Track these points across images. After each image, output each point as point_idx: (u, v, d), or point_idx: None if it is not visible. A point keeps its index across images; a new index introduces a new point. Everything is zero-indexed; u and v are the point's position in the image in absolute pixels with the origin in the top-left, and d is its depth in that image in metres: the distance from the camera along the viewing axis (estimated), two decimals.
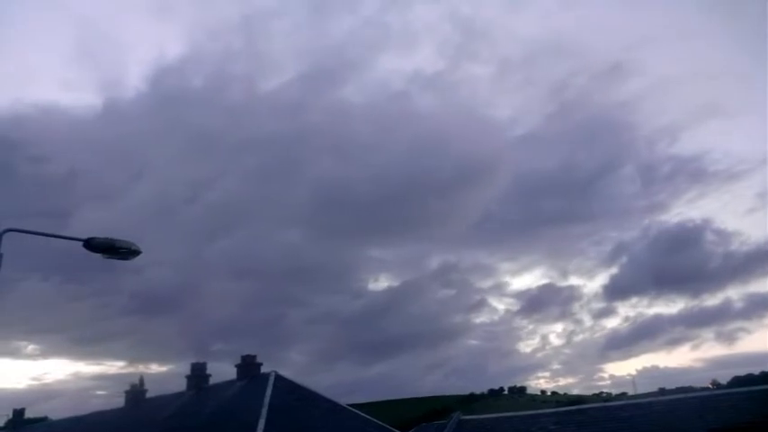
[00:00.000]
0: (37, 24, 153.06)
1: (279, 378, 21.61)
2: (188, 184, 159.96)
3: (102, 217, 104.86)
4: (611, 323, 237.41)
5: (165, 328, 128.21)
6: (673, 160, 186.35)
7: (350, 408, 22.82)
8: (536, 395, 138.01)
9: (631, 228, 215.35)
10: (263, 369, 23.30)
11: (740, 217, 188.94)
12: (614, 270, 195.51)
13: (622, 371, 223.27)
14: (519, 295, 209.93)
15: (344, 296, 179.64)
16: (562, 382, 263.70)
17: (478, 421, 19.43)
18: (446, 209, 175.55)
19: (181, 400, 24.14)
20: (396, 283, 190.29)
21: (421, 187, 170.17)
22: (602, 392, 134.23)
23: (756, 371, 74.42)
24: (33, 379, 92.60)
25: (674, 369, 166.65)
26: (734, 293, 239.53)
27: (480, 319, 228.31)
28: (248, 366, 23.46)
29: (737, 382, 67.43)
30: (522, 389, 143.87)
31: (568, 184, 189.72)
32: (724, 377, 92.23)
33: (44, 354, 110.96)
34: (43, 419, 33.72)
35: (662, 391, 48.39)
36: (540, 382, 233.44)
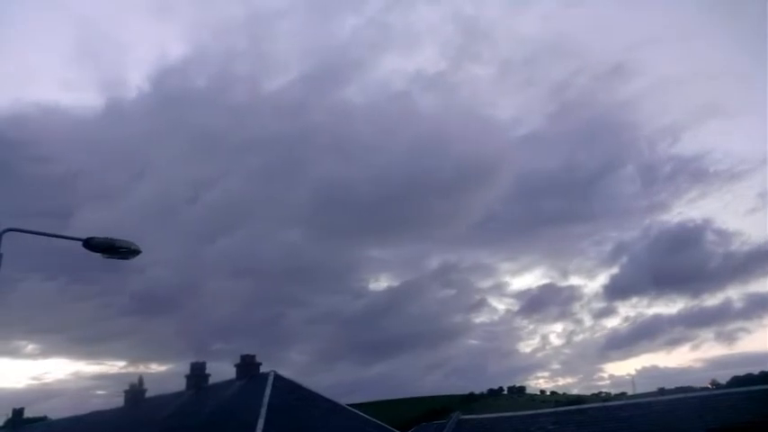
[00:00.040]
0: (37, 24, 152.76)
1: (278, 378, 21.61)
2: (190, 184, 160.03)
3: (104, 217, 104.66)
4: (612, 323, 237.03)
5: (165, 327, 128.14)
6: (674, 160, 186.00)
7: (349, 407, 22.83)
8: (535, 395, 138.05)
9: (632, 228, 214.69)
10: (263, 369, 23.32)
11: (741, 217, 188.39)
12: (615, 270, 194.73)
13: (622, 371, 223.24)
14: (519, 295, 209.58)
15: (345, 296, 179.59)
16: (561, 381, 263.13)
17: (478, 421, 19.45)
18: (447, 209, 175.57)
19: (180, 399, 24.15)
20: (396, 283, 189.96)
21: (422, 187, 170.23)
22: (601, 392, 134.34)
23: (756, 371, 74.53)
24: (33, 378, 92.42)
25: (674, 369, 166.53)
26: (734, 293, 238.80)
27: (480, 318, 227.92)
28: (247, 366, 23.48)
29: (737, 382, 67.48)
30: (522, 389, 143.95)
31: (569, 184, 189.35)
32: (723, 377, 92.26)
33: (44, 353, 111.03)
34: (42, 419, 33.70)
35: (661, 391, 48.42)
36: (539, 382, 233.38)
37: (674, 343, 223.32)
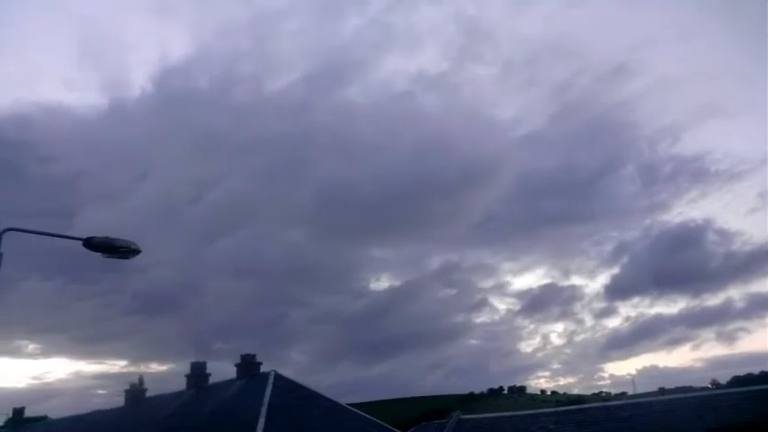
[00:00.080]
0: (39, 24, 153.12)
1: (278, 377, 21.63)
2: (193, 185, 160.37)
3: (107, 217, 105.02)
4: (613, 323, 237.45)
5: (167, 327, 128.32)
6: (674, 160, 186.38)
7: (349, 407, 22.84)
8: (536, 395, 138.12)
9: (633, 228, 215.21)
10: (263, 368, 23.35)
11: (741, 217, 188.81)
12: (616, 270, 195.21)
13: (622, 370, 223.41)
14: (520, 295, 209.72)
15: (346, 296, 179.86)
16: (562, 381, 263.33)
17: (478, 421, 19.44)
18: (449, 209, 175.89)
19: (180, 399, 24.16)
20: (398, 283, 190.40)
21: (424, 187, 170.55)
22: (601, 392, 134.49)
23: (756, 371, 74.57)
24: (34, 378, 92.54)
25: (674, 369, 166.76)
26: (735, 293, 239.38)
27: (481, 318, 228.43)
28: (248, 366, 23.49)
29: (737, 381, 67.49)
30: (522, 388, 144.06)
31: (570, 184, 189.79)
32: (724, 377, 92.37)
33: (45, 353, 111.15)
34: (43, 418, 33.69)
35: (661, 391, 48.43)
36: (540, 382, 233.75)
37: (675, 343, 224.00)
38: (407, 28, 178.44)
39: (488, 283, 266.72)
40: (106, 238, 9.43)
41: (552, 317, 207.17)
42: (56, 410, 52.22)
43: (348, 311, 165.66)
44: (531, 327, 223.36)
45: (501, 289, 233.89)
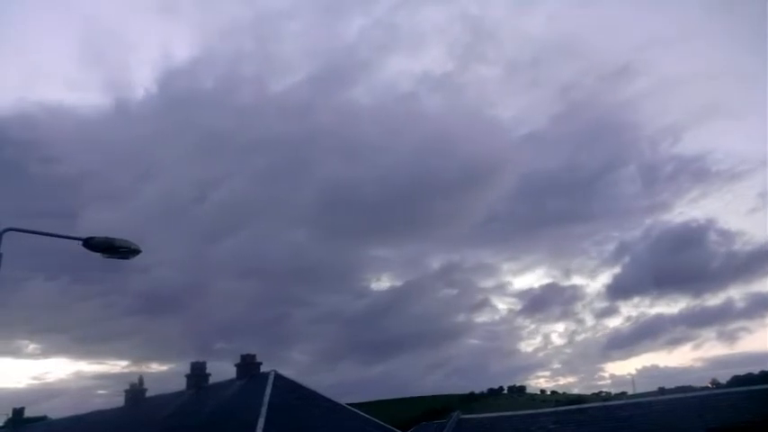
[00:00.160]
0: (42, 24, 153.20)
1: (278, 377, 21.61)
2: (196, 185, 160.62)
3: (110, 217, 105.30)
4: (613, 323, 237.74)
5: (168, 327, 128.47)
6: (675, 160, 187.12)
7: (349, 407, 22.83)
8: (535, 394, 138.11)
9: (634, 227, 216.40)
10: (263, 368, 23.32)
11: (742, 217, 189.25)
12: (617, 270, 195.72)
13: (623, 370, 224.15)
14: (521, 295, 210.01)
15: (348, 296, 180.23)
16: (562, 381, 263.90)
17: (478, 420, 19.44)
18: (451, 209, 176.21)
19: (180, 399, 24.14)
20: (399, 283, 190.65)
21: (426, 188, 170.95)
22: (601, 392, 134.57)
23: (756, 370, 74.61)
24: (34, 378, 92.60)
25: (674, 368, 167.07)
26: (736, 293, 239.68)
27: (482, 318, 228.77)
28: (248, 366, 23.47)
29: (737, 381, 67.49)
30: (522, 388, 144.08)
31: (571, 183, 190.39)
32: (724, 377, 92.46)
33: (45, 353, 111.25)
34: (42, 419, 33.66)
35: (661, 391, 48.45)
36: (540, 382, 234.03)
37: (676, 342, 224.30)
38: (412, 28, 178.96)
39: (489, 283, 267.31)
40: (106, 238, 9.43)
41: (553, 317, 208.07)
42: (56, 411, 52.27)
43: (349, 311, 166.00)
44: (532, 327, 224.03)
45: (502, 289, 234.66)
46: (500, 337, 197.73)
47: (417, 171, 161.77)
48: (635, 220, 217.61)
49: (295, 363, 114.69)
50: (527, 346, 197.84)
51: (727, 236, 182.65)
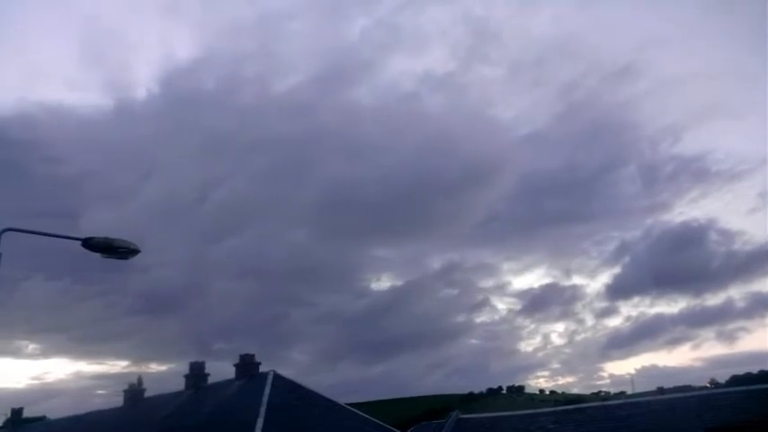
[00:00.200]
0: (42, 24, 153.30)
1: (277, 377, 21.61)
2: (198, 185, 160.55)
3: (112, 217, 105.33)
4: (613, 322, 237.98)
5: (168, 327, 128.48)
6: (675, 160, 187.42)
7: (349, 407, 22.83)
8: (534, 394, 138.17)
9: (634, 227, 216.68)
10: (262, 368, 23.31)
11: (742, 216, 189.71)
12: (617, 270, 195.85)
13: (622, 370, 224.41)
14: (521, 295, 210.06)
15: (348, 296, 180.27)
16: (561, 381, 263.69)
17: (477, 420, 19.45)
18: (452, 209, 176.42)
19: (179, 399, 24.13)
20: (399, 283, 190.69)
21: (428, 188, 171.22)
22: (600, 392, 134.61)
23: (755, 370, 74.71)
24: (33, 378, 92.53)
25: (674, 368, 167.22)
26: (736, 293, 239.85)
27: (482, 318, 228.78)
28: (247, 366, 23.45)
29: (736, 381, 67.55)
30: (521, 388, 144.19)
31: (572, 183, 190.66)
32: (723, 376, 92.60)
33: (45, 353, 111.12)
34: (41, 419, 33.64)
35: (660, 390, 48.46)
36: (539, 382, 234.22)
37: (675, 342, 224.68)
38: (415, 29, 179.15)
39: (489, 283, 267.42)
40: (105, 238, 9.43)
41: (553, 316, 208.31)
42: (55, 411, 52.23)
43: (349, 311, 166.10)
44: (532, 326, 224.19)
45: (502, 289, 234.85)
46: (500, 336, 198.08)
47: (419, 171, 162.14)
48: (635, 220, 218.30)
49: (295, 363, 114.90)
50: (527, 346, 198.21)
51: (727, 236, 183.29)
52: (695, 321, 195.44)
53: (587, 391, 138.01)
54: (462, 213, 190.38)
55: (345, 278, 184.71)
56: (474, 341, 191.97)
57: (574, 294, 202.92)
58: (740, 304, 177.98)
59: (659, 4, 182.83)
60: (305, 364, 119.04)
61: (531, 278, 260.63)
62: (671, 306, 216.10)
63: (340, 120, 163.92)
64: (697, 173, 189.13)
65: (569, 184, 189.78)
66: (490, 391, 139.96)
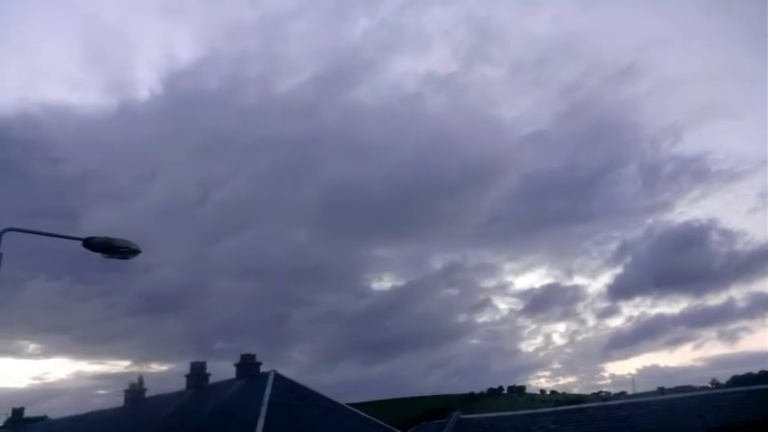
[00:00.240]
0: (43, 24, 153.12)
1: (278, 377, 21.63)
2: (199, 185, 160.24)
3: (114, 217, 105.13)
4: (615, 323, 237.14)
5: (169, 327, 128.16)
6: (676, 160, 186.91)
7: (349, 407, 22.85)
8: (535, 394, 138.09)
9: (635, 227, 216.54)
10: (263, 368, 23.33)
11: (742, 216, 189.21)
12: (619, 270, 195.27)
13: (623, 370, 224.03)
14: (522, 295, 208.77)
15: (349, 296, 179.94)
16: (562, 381, 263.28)
17: (478, 420, 19.46)
18: (453, 209, 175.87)
19: (180, 399, 24.15)
20: (401, 283, 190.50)
21: (430, 188, 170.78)
22: (601, 392, 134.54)
23: (756, 370, 74.64)
24: (34, 378, 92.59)
25: (674, 368, 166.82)
26: (737, 293, 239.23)
27: (483, 318, 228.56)
28: (248, 365, 23.48)
29: (736, 381, 67.52)
30: (522, 388, 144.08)
31: (573, 183, 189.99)
32: (724, 376, 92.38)
33: (46, 353, 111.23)
34: (42, 419, 33.69)
35: (661, 391, 48.43)
36: (540, 382, 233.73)
37: (677, 342, 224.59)
38: (417, 29, 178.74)
39: (491, 283, 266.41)
40: (106, 238, 9.44)
41: (554, 317, 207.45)
42: (56, 411, 52.31)
43: (350, 311, 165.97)
44: (533, 327, 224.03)
45: (503, 289, 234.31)
46: (501, 337, 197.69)
47: (421, 171, 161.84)
48: (636, 220, 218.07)
49: (295, 363, 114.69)
50: (528, 346, 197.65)
51: (728, 236, 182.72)
52: (696, 321, 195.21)
53: (588, 392, 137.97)
54: (464, 213, 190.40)
55: (346, 278, 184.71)
56: (475, 341, 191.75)
57: (575, 294, 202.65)
58: (741, 304, 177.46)
59: (660, 4, 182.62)
60: (306, 363, 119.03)
61: (533, 278, 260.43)
62: (672, 306, 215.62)
63: (342, 120, 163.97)
64: (697, 173, 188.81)
65: (571, 184, 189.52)
66: (491, 391, 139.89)
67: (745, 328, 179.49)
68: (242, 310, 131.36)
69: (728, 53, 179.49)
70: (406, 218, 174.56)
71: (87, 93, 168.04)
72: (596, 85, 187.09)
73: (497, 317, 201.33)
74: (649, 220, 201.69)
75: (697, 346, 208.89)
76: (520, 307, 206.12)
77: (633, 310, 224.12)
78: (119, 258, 9.61)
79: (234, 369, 23.96)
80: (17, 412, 31.85)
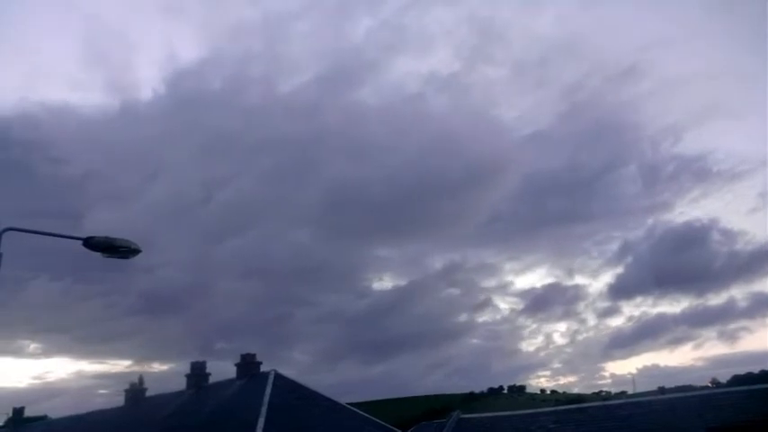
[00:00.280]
0: (44, 24, 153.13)
1: (278, 377, 21.63)
2: (202, 185, 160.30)
3: (117, 218, 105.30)
4: (615, 322, 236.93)
5: (170, 327, 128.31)
6: (676, 160, 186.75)
7: (349, 407, 22.85)
8: (535, 394, 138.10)
9: (636, 227, 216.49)
10: (263, 368, 23.34)
11: (743, 216, 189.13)
12: (620, 269, 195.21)
13: (623, 370, 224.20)
14: (523, 294, 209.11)
15: (350, 296, 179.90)
16: (563, 380, 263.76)
17: (478, 420, 19.45)
18: (455, 209, 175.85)
19: (180, 398, 24.16)
20: (402, 283, 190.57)
21: (432, 188, 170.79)
22: (601, 391, 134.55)
23: (756, 369, 74.66)
24: (35, 378, 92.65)
25: (675, 368, 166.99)
26: (738, 293, 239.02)
27: (484, 318, 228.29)
28: (248, 365, 23.48)
29: (737, 380, 67.54)
30: (522, 388, 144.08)
31: (574, 183, 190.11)
32: (724, 376, 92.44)
33: (46, 353, 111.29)
34: (43, 418, 33.70)
35: (661, 390, 48.43)
36: (540, 381, 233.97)
37: (677, 342, 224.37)
38: (420, 29, 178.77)
39: (491, 283, 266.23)
40: (106, 237, 9.44)
41: (555, 316, 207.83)
42: (56, 410, 52.22)
43: (351, 311, 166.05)
44: (534, 326, 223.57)
45: (504, 289, 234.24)
46: (501, 336, 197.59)
47: (422, 171, 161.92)
48: (636, 220, 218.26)
49: (296, 362, 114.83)
50: (528, 346, 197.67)
51: (728, 235, 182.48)
52: (697, 321, 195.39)
53: (588, 391, 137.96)
54: (465, 213, 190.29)
55: (348, 278, 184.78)
56: (475, 341, 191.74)
57: (576, 294, 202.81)
58: (742, 304, 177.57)
59: (662, 5, 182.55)
60: (306, 363, 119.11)
61: (534, 278, 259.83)
62: (673, 306, 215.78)
63: (345, 120, 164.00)
64: (698, 173, 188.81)
65: (571, 184, 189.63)
66: (491, 390, 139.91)
67: (745, 328, 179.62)
68: (243, 310, 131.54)
69: (729, 53, 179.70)
70: (407, 218, 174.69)
71: (88, 93, 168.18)
72: (598, 86, 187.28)
73: (498, 316, 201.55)
74: (650, 220, 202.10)
75: (697, 346, 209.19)
76: (520, 307, 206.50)
77: (634, 309, 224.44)
78: (119, 258, 9.61)
79: (234, 369, 23.98)
80: (17, 412, 31.86)
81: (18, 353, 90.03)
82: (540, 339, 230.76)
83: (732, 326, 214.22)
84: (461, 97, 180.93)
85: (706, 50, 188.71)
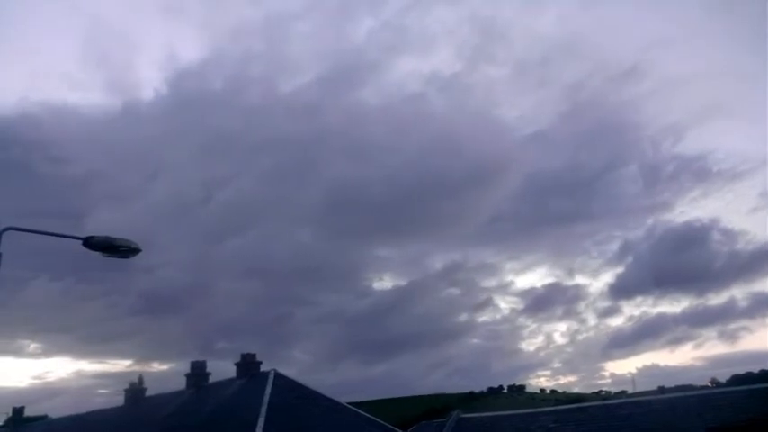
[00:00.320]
0: (44, 24, 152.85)
1: (278, 376, 21.62)
2: (203, 185, 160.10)
3: (118, 218, 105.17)
4: (616, 322, 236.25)
5: (171, 327, 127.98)
6: (677, 160, 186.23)
7: (350, 406, 22.85)
8: (535, 393, 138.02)
9: (636, 227, 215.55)
10: (263, 367, 23.33)
11: (743, 216, 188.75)
12: (620, 269, 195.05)
13: (623, 369, 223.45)
14: (524, 294, 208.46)
15: (351, 295, 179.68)
16: (563, 380, 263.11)
17: (478, 419, 19.47)
18: (456, 209, 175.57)
19: (180, 398, 24.16)
20: (402, 283, 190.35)
21: (433, 188, 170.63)
22: (601, 391, 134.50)
23: (756, 369, 74.65)
24: (35, 377, 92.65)
25: (675, 367, 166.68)
26: (738, 292, 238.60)
27: (484, 318, 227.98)
28: (248, 365, 23.47)
29: (737, 380, 67.54)
30: (522, 387, 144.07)
31: (574, 183, 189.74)
32: (724, 375, 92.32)
33: (46, 352, 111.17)
34: (43, 418, 33.74)
35: (661, 390, 48.47)
36: (540, 381, 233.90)
37: (677, 342, 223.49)
38: (421, 29, 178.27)
39: (492, 283, 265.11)
40: (106, 237, 9.44)
41: (555, 316, 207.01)
42: (56, 410, 52.33)
43: (352, 311, 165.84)
44: (534, 326, 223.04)
45: (504, 288, 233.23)
46: (501, 336, 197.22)
47: (423, 171, 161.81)
48: (637, 220, 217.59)
49: (296, 362, 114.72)
50: (528, 346, 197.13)
51: (729, 235, 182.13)
52: (697, 321, 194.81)
53: (588, 391, 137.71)
54: (466, 213, 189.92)
55: (348, 278, 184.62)
56: (476, 340, 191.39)
57: (576, 294, 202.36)
58: (742, 304, 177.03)
59: (663, 5, 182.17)
60: (306, 363, 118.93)
61: (534, 278, 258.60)
62: (673, 306, 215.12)
63: (346, 120, 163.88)
64: (698, 172, 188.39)
65: (572, 184, 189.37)
66: (491, 390, 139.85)
67: (745, 328, 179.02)
68: (244, 310, 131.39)
69: (730, 53, 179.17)
70: (408, 218, 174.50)
71: (89, 93, 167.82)
72: (599, 86, 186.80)
73: (498, 316, 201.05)
74: (650, 220, 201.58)
75: (697, 346, 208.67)
76: (521, 306, 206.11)
77: (634, 309, 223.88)
78: (119, 257, 9.61)
79: (234, 368, 23.98)
80: (18, 411, 31.90)
81: (18, 353, 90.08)
82: (540, 339, 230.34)
83: (732, 326, 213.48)
84: (463, 97, 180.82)
85: (706, 50, 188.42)
